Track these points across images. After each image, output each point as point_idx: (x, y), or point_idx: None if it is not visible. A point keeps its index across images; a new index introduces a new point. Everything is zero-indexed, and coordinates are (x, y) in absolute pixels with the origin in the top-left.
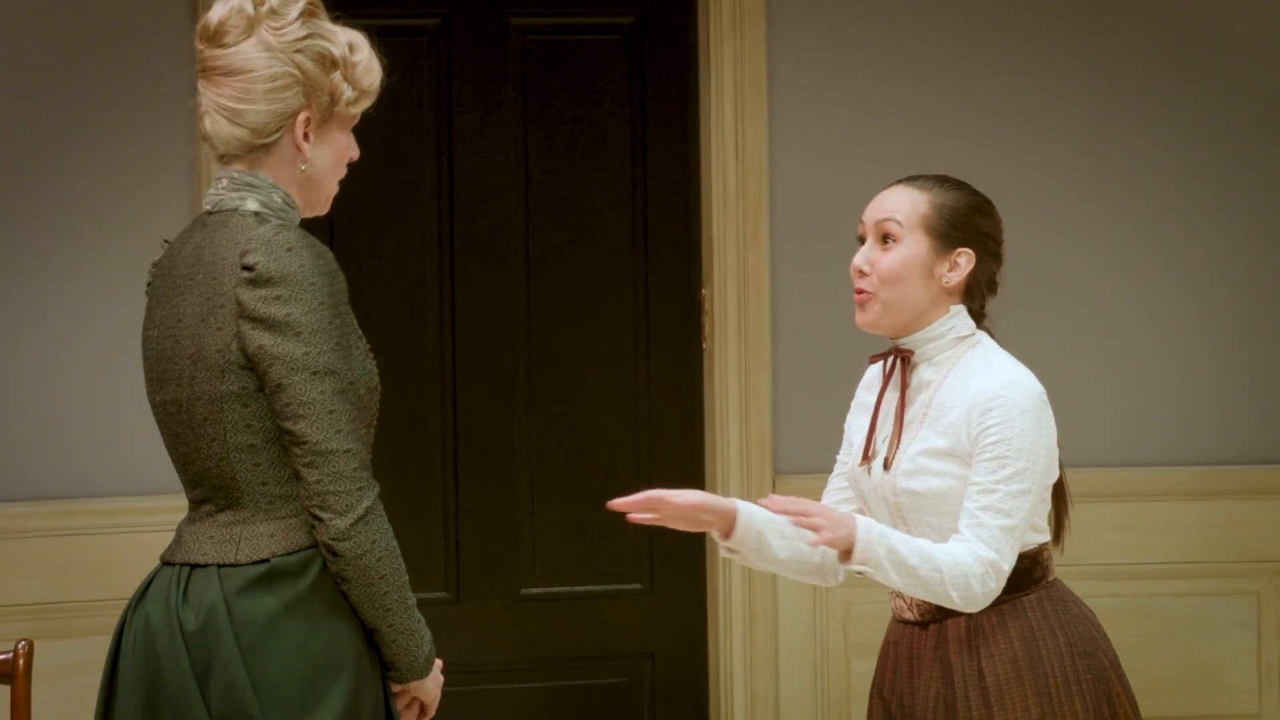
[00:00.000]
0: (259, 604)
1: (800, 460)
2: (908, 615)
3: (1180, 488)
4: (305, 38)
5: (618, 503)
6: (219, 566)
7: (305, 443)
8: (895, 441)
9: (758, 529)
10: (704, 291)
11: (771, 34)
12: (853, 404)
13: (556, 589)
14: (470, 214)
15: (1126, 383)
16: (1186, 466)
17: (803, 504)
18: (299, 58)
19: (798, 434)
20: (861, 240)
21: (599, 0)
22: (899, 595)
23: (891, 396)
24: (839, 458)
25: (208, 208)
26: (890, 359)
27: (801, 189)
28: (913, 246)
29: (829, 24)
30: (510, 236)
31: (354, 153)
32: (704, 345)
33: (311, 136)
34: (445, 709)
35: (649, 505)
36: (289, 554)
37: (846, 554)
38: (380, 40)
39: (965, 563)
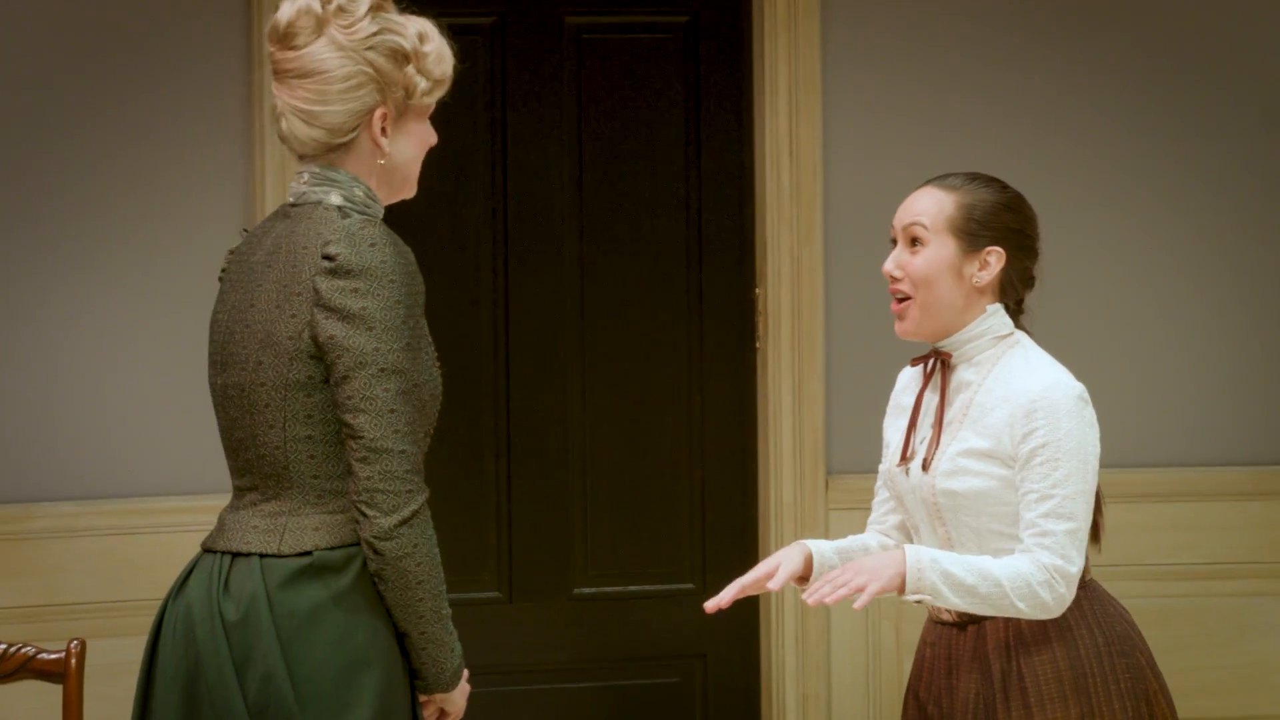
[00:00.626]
0: (300, 596)
1: (852, 461)
2: (945, 617)
3: (1232, 488)
4: (376, 34)
5: (713, 604)
6: (261, 556)
7: (362, 437)
8: (934, 442)
9: (831, 565)
10: (757, 291)
11: (826, 33)
12: (888, 409)
13: (609, 589)
14: (524, 213)
15: (1180, 383)
16: (1238, 467)
17: (835, 579)
18: (371, 55)
19: (850, 434)
20: (894, 244)
21: None
22: None
23: (930, 398)
24: (880, 468)
25: (290, 200)
26: (930, 361)
27: (855, 188)
28: (940, 249)
29: (883, 23)
30: (564, 235)
31: (432, 139)
32: (757, 345)
33: (389, 130)
34: (497, 708)
35: (742, 595)
36: (332, 548)
37: (903, 588)
38: None
39: (1027, 571)
